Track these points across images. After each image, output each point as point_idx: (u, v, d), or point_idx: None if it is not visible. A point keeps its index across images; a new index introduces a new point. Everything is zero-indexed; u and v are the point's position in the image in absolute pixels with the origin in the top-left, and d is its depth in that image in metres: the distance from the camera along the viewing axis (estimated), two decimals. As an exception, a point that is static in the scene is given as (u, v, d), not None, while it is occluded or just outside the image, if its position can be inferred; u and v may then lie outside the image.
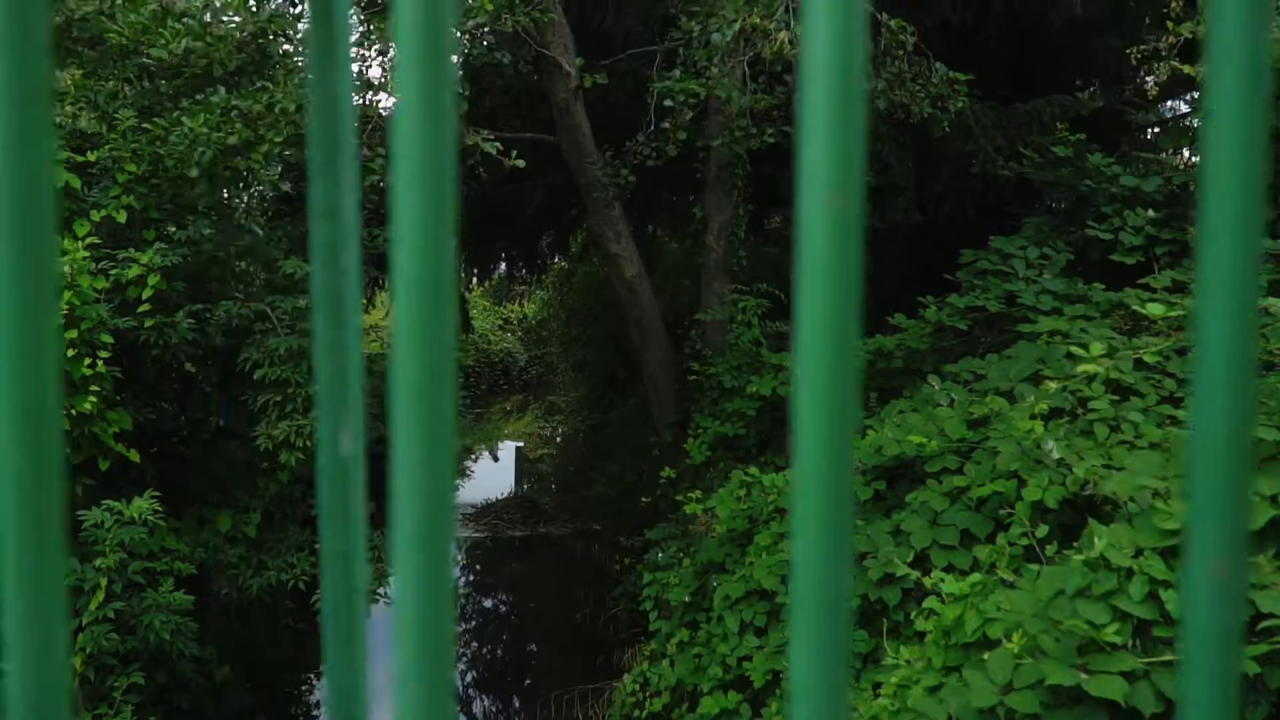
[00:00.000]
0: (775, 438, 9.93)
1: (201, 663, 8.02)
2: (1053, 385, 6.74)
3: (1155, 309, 5.78)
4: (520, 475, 24.04)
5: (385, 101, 8.56)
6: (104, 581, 6.77)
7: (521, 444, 25.58)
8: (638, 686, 8.77)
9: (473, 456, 23.59)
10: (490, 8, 7.35)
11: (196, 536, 8.18)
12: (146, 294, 7.09)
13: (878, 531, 6.87)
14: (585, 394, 22.40)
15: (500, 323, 32.36)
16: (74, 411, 6.82)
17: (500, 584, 15.31)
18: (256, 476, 8.45)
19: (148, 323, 7.21)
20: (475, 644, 13.00)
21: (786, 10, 6.87)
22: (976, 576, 4.43)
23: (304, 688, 11.16)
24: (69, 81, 8.11)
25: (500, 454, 24.94)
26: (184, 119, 6.87)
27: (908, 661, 5.20)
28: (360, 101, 8.50)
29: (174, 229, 7.32)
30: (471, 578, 16.10)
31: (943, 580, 5.36)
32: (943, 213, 11.64)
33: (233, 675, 8.62)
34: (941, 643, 4.53)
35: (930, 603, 5.39)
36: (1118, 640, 3.40)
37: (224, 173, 7.21)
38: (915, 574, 5.67)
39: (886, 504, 7.25)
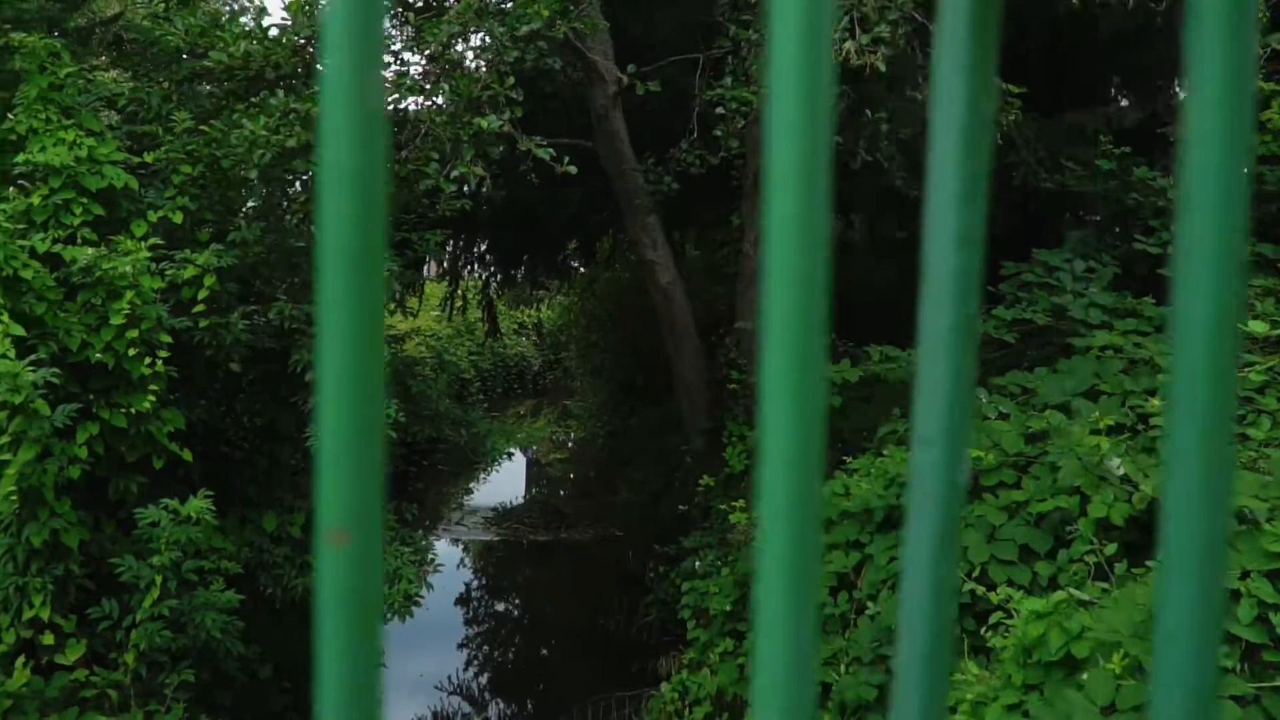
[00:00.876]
0: (815, 447, 9.89)
1: (245, 661, 8.02)
2: (1103, 401, 6.72)
3: (1258, 326, 5.78)
4: (531, 480, 24.03)
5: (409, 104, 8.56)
6: (159, 579, 6.78)
7: (534, 449, 25.54)
8: (677, 695, 8.75)
9: (508, 454, 23.34)
10: (545, 14, 7.36)
11: (241, 535, 8.18)
12: (202, 295, 7.09)
13: (932, 544, 6.85)
14: (604, 400, 22.36)
15: (515, 327, 32.33)
16: (132, 410, 6.82)
17: (527, 589, 15.30)
18: (300, 477, 8.45)
19: (202, 323, 7.21)
20: (506, 648, 12.99)
21: (851, 20, 6.88)
22: (1060, 594, 4.41)
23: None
24: (117, 83, 8.13)
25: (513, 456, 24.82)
26: (244, 121, 6.88)
27: (975, 677, 5.17)
28: (398, 105, 8.52)
29: (231, 230, 7.32)
30: (496, 581, 16.09)
31: (1011, 596, 5.34)
32: (992, 225, 11.61)
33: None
34: (1021, 660, 4.51)
35: (1000, 617, 5.37)
36: (1227, 664, 3.38)
37: (282, 175, 7.22)
38: (983, 589, 5.65)
39: (938, 517, 7.22)
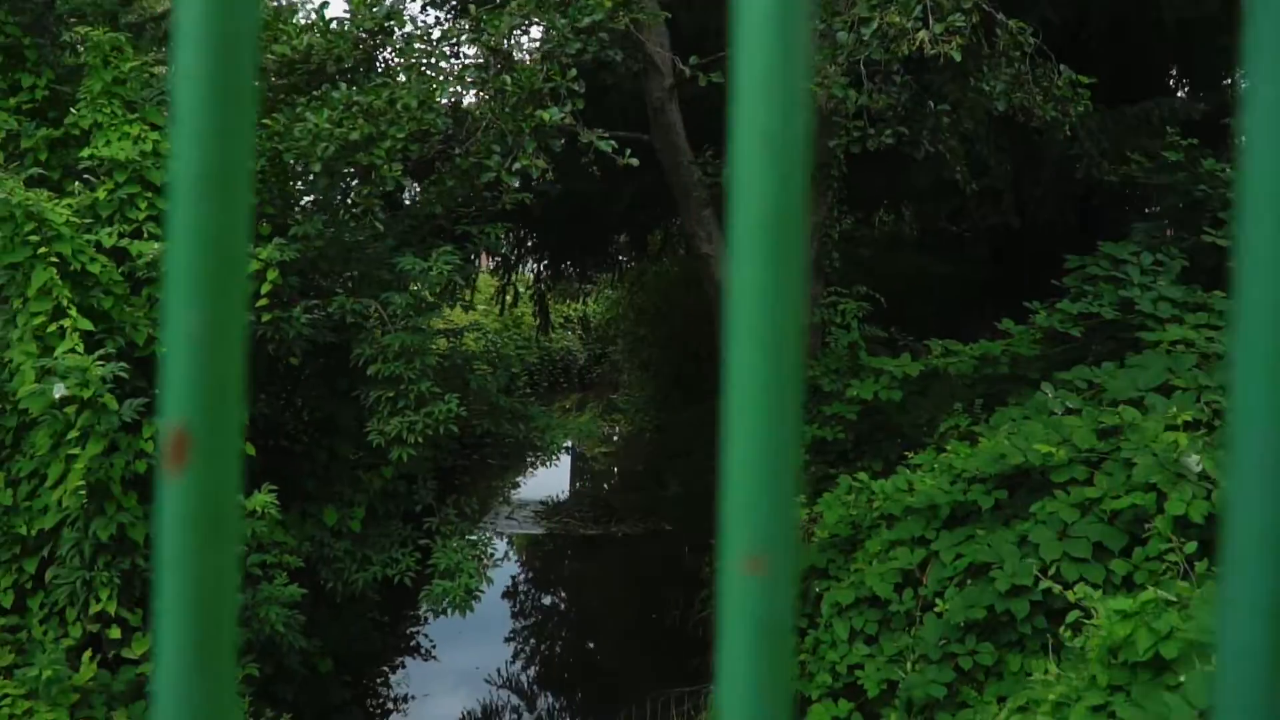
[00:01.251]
0: (872, 443, 9.80)
1: (306, 655, 8.04)
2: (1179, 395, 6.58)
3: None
4: (576, 474, 24.02)
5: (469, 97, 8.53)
6: (223, 574, 6.78)
7: (580, 442, 25.50)
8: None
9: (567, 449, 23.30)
10: (608, 4, 7.30)
11: (301, 530, 8.20)
12: (265, 289, 7.10)
13: (1000, 542, 6.74)
14: (651, 394, 22.32)
15: (561, 320, 32.33)
16: (196, 405, 6.83)
17: (578, 583, 15.29)
18: (360, 471, 8.45)
19: (265, 317, 7.22)
20: (558, 642, 12.98)
21: (924, 9, 6.76)
22: (1148, 594, 4.30)
23: (379, 681, 11.18)
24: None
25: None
26: (307, 114, 6.87)
27: (1053, 676, 5.08)
28: (458, 100, 8.49)
29: (291, 224, 7.33)
30: (547, 575, 16.10)
31: (1088, 595, 5.23)
32: (1041, 218, 11.46)
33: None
34: (1106, 660, 4.40)
35: (1076, 616, 5.26)
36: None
37: (344, 168, 7.21)
38: (1059, 588, 5.54)
39: (1005, 514, 7.11)
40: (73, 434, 6.03)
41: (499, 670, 12.07)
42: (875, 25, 6.69)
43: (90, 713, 6.68)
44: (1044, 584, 5.50)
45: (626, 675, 10.68)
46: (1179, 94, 11.17)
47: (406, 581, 8.20)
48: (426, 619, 13.27)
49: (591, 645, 12.29)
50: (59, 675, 6.42)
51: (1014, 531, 6.70)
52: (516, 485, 21.59)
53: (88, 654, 6.72)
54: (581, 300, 28.93)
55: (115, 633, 6.82)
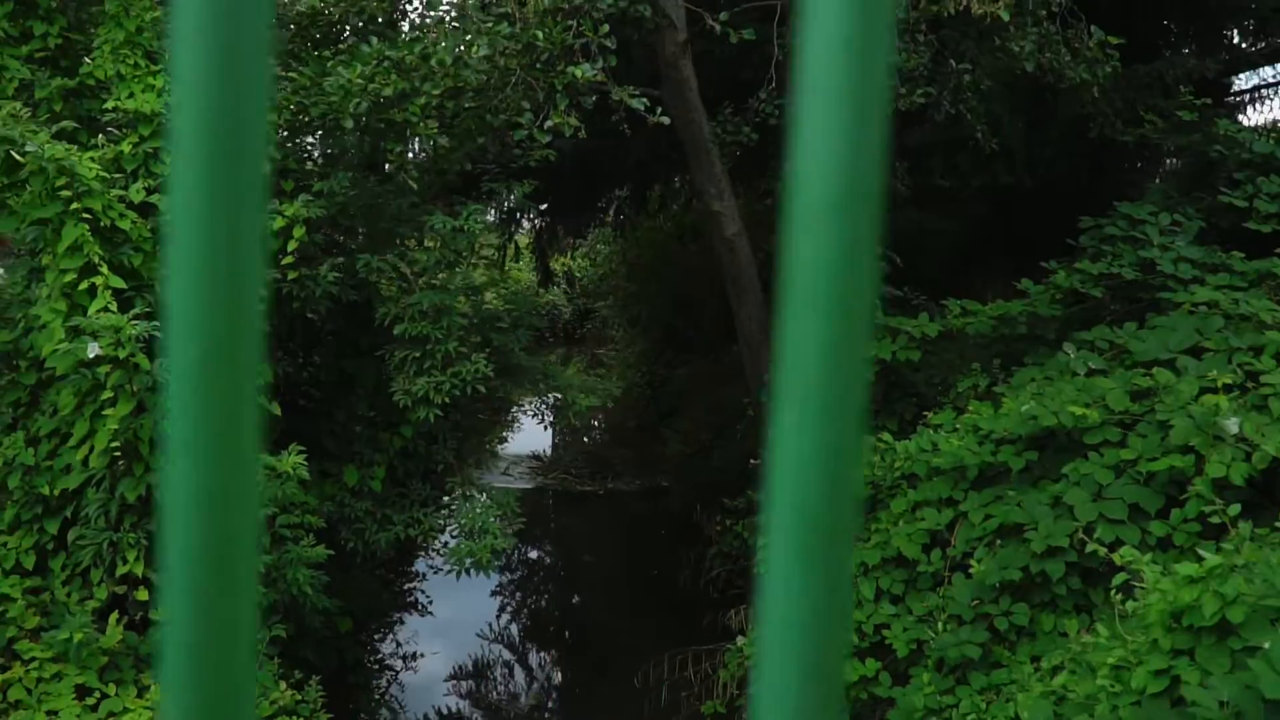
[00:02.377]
0: (889, 402, 9.80)
1: (327, 615, 8.01)
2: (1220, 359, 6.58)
3: None
4: (557, 429, 24.00)
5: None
6: (252, 535, 6.71)
7: (560, 396, 25.47)
8: (753, 649, 8.70)
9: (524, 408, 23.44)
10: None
11: (321, 490, 8.14)
12: (291, 246, 6.98)
13: (1032, 503, 6.75)
14: (643, 350, 22.23)
15: (515, 272, 32.15)
16: (223, 364, 6.74)
17: (580, 539, 15.29)
18: (380, 431, 8.39)
19: (291, 275, 7.11)
20: (572, 600, 12.98)
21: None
22: (1215, 559, 4.30)
23: (376, 637, 11.15)
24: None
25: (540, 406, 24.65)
26: (339, 69, 6.72)
27: (1104, 638, 5.10)
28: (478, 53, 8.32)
29: (316, 180, 7.20)
30: (551, 531, 16.09)
31: (1136, 558, 5.24)
32: (1053, 177, 11.42)
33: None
34: (1167, 624, 4.42)
35: (1123, 579, 5.27)
36: None
37: (377, 124, 7.08)
38: (1103, 550, 5.56)
39: (1033, 475, 7.12)
40: (105, 394, 5.93)
41: (509, 627, 12.09)
42: (921, -16, 6.62)
43: (119, 675, 6.63)
44: (1090, 546, 5.49)
45: (641, 633, 10.70)
46: (1185, 52, 11.11)
47: (431, 541, 8.18)
48: (425, 575, 13.29)
49: (602, 603, 12.30)
50: (88, 638, 6.37)
51: (1046, 493, 6.71)
52: (504, 440, 21.61)
53: (114, 616, 6.66)
54: (570, 255, 28.77)
55: (143, 594, 6.76)
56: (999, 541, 6.90)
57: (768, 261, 12.24)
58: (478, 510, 7.70)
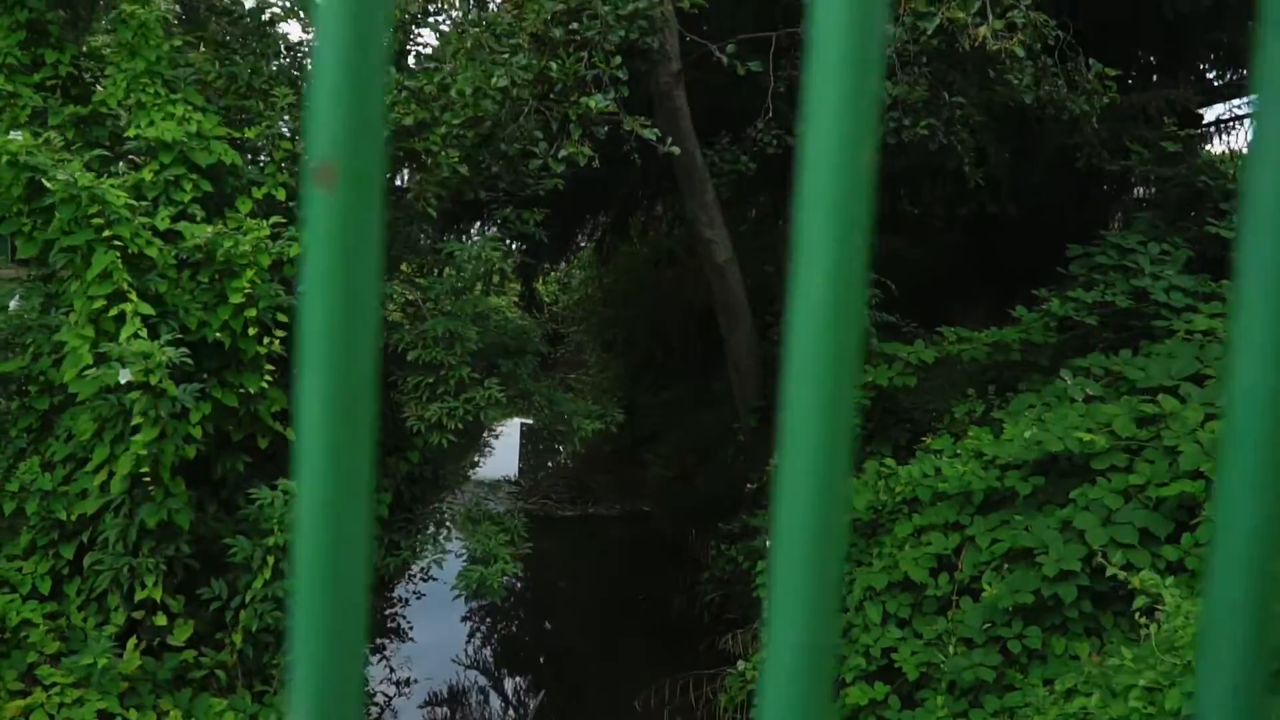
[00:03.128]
0: (883, 428, 9.94)
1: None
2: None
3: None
4: (524, 453, 24.02)
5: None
6: (272, 560, 6.74)
7: (531, 421, 25.50)
8: (755, 673, 8.77)
9: (495, 432, 23.52)
10: (655, -11, 7.31)
11: (328, 516, 8.13)
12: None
13: (1040, 527, 6.89)
14: (618, 374, 22.29)
15: (515, 299, 32.19)
16: (242, 389, 6.77)
17: (570, 565, 15.28)
18: (386, 456, 8.41)
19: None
20: (566, 625, 12.98)
21: (984, 3, 6.86)
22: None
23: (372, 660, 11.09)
24: (206, 59, 8.03)
25: (501, 431, 24.63)
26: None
27: (1129, 660, 5.22)
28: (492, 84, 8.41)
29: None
30: (538, 558, 16.08)
31: (1157, 582, 5.38)
32: (1037, 206, 11.66)
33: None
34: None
35: (1144, 602, 5.41)
36: None
37: (396, 152, 7.14)
38: (1124, 574, 5.69)
39: (1039, 499, 7.27)
40: (136, 419, 5.94)
41: (496, 652, 12.09)
42: (937, 20, 6.79)
43: (138, 699, 6.62)
44: (1109, 570, 5.63)
45: (636, 659, 10.75)
46: (1171, 89, 11.39)
47: (438, 568, 8.20)
48: (407, 601, 13.27)
49: (594, 628, 12.32)
50: (110, 663, 6.36)
51: (1054, 517, 6.85)
52: (476, 465, 21.60)
53: (132, 641, 6.65)
54: (540, 280, 28.83)
55: (161, 620, 6.75)
56: (1007, 565, 7.03)
57: (756, 288, 12.38)
58: (487, 536, 7.74)
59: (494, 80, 6.62)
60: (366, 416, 0.42)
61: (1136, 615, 5.30)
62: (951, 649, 6.98)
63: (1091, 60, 8.18)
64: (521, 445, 24.86)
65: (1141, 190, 13.27)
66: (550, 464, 23.08)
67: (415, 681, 10.78)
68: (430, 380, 7.37)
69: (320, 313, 0.42)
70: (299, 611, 0.42)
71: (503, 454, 23.51)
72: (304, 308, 0.42)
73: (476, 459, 22.05)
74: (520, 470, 22.30)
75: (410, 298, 7.69)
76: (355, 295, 0.42)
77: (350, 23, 0.41)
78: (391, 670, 10.82)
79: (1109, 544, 6.36)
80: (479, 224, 11.62)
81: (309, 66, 0.41)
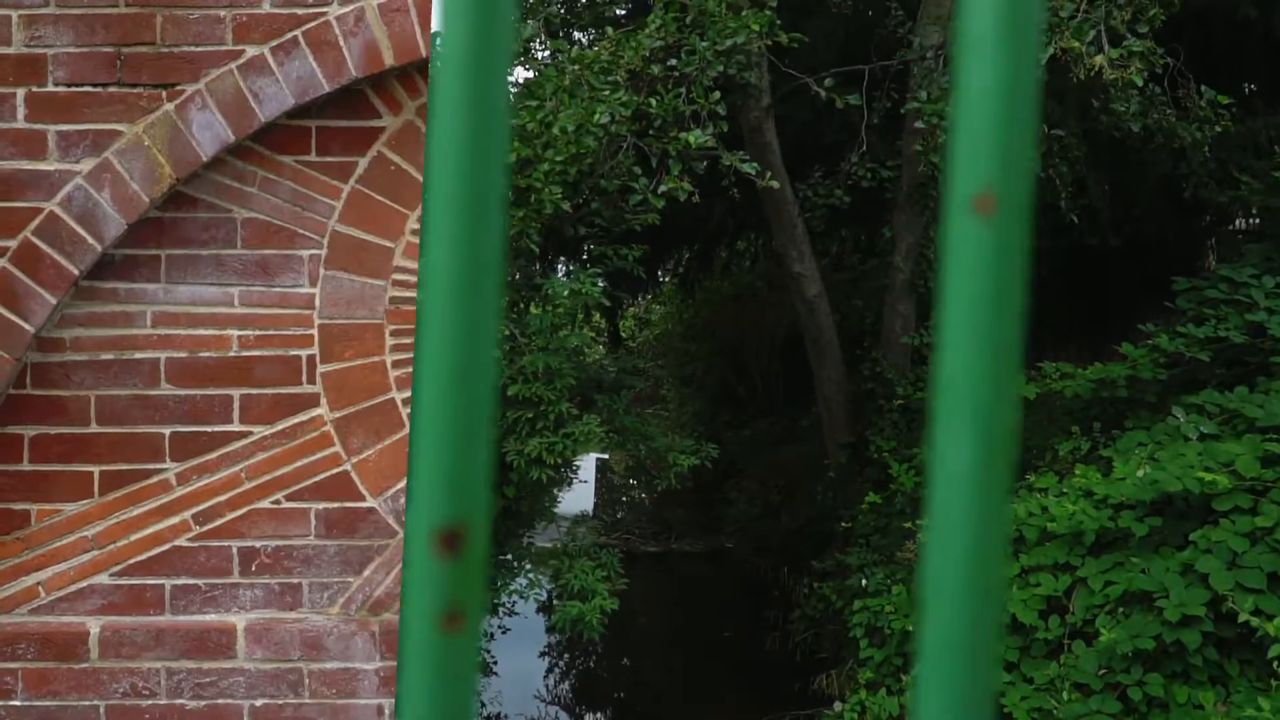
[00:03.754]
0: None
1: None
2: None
3: None
4: (601, 488, 23.94)
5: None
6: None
7: (607, 455, 25.42)
8: (855, 715, 8.59)
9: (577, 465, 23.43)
10: (756, 28, 7.25)
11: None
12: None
13: (1158, 570, 6.67)
14: (699, 409, 22.18)
15: (592, 336, 32.29)
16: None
17: (660, 601, 15.16)
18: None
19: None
20: (655, 661, 12.87)
21: (1099, 33, 6.72)
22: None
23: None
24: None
25: (579, 466, 24.55)
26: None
27: (1266, 715, 5.01)
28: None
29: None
30: (629, 593, 15.99)
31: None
32: (1135, 238, 11.41)
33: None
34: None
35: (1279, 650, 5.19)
36: None
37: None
38: (1256, 620, 5.47)
39: (1154, 541, 7.03)
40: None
41: (580, 689, 12.01)
42: (1051, 50, 6.66)
43: None
44: (1242, 617, 5.40)
45: (722, 699, 10.60)
46: (1275, 114, 11.09)
47: (523, 600, 8.14)
48: (491, 635, 13.23)
49: (680, 666, 12.19)
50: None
51: (1172, 560, 6.63)
52: (557, 500, 21.55)
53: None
54: (622, 315, 28.89)
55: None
56: (1122, 609, 6.81)
57: (843, 322, 12.26)
58: (585, 572, 7.67)
59: (596, 117, 6.60)
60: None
61: (1275, 664, 5.07)
62: (1065, 695, 6.76)
63: (1204, 86, 7.97)
64: (597, 480, 24.81)
65: (1241, 222, 12.95)
66: (625, 499, 23.01)
67: (505, 718, 10.72)
68: (530, 415, 7.33)
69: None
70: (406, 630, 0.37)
71: (578, 489, 23.46)
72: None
73: (557, 494, 22.02)
74: (595, 505, 22.23)
75: (507, 332, 7.67)
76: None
77: (473, 69, 0.37)
78: (483, 705, 10.76)
79: (1234, 588, 6.12)
80: (564, 259, 11.65)
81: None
